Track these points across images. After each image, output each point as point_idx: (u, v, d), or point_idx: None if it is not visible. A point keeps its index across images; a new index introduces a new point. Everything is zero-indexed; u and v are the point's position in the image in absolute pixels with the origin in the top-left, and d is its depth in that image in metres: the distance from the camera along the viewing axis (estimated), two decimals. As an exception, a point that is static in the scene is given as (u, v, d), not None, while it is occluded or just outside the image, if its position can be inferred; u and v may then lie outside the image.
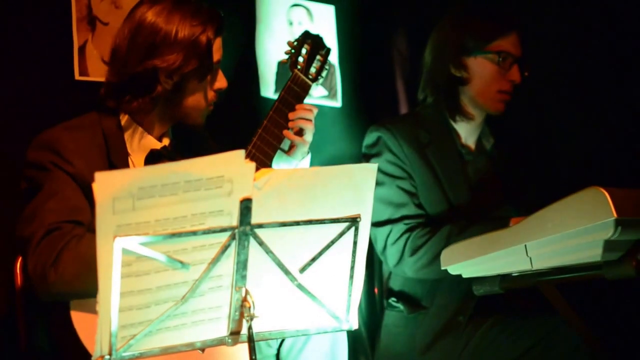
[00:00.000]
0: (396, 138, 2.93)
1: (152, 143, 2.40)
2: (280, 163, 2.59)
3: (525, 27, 2.98)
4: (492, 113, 3.00)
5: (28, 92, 2.89)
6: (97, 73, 2.94)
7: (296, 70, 2.63)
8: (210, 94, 2.42)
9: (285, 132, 2.53)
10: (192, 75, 2.33)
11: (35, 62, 2.91)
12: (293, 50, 2.67)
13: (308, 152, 2.60)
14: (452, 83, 2.98)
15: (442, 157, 2.95)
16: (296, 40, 2.69)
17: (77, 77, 2.98)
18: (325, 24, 3.65)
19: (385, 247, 2.87)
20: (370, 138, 3.00)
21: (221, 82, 2.44)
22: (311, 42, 2.68)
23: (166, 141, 2.44)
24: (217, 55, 2.38)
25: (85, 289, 2.01)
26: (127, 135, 2.38)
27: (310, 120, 2.55)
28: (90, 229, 2.08)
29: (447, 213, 2.87)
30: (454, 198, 2.89)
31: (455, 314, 2.78)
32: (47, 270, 2.06)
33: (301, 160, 2.59)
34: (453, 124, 3.01)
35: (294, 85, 2.61)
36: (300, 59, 2.66)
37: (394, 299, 2.94)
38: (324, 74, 2.69)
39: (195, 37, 2.30)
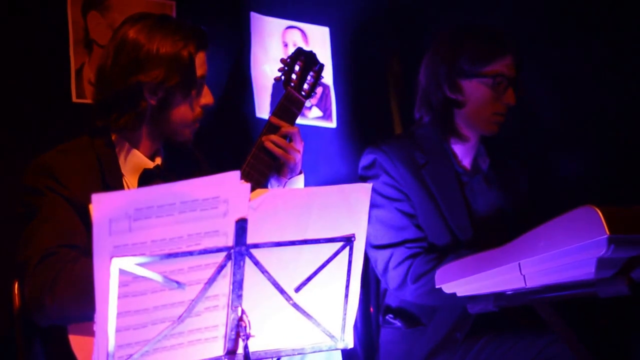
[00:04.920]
0: (392, 160, 2.92)
1: (145, 162, 2.41)
2: (271, 180, 2.60)
3: (520, 48, 2.98)
4: (486, 134, 3.00)
5: (26, 115, 2.91)
6: (94, 96, 2.96)
7: (289, 88, 2.65)
8: (197, 110, 2.43)
9: (268, 144, 2.54)
10: (176, 90, 2.35)
11: (32, 84, 2.93)
12: (286, 68, 2.69)
13: (300, 172, 2.60)
14: (447, 105, 2.97)
15: (439, 178, 2.94)
16: (289, 57, 2.71)
17: (74, 99, 3.00)
18: (320, 46, 3.67)
19: (386, 271, 2.86)
20: (366, 160, 2.99)
21: (207, 97, 2.45)
22: (304, 59, 2.70)
23: (158, 160, 2.46)
24: (201, 70, 2.40)
25: (82, 313, 2.02)
26: (119, 156, 2.39)
27: (284, 148, 2.55)
28: (87, 251, 2.10)
29: (445, 234, 2.88)
30: (452, 219, 2.89)
31: (452, 330, 2.78)
32: (44, 296, 2.07)
33: (290, 180, 2.60)
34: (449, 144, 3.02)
35: (287, 102, 2.63)
36: (294, 76, 2.67)
37: (391, 315, 2.94)
38: (317, 90, 2.70)
39: (177, 52, 2.33)
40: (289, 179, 2.58)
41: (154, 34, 2.33)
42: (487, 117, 2.94)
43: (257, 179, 2.50)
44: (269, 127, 2.58)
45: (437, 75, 2.97)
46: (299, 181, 2.60)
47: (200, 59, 2.40)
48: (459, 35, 2.99)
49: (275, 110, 2.62)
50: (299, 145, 2.57)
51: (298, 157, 2.57)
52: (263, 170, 2.52)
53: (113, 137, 2.40)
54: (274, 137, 2.55)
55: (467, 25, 3.03)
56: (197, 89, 2.41)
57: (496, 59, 2.91)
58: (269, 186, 2.59)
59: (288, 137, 2.57)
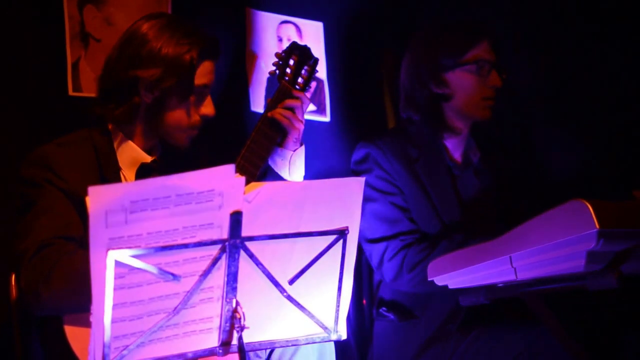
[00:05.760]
0: (385, 154, 2.93)
1: (142, 156, 2.43)
2: (274, 157, 2.63)
3: (495, 31, 3.00)
4: (480, 120, 3.01)
5: (22, 108, 2.92)
6: (91, 89, 2.97)
7: (284, 81, 2.66)
8: (195, 118, 2.44)
9: (277, 116, 2.59)
10: (171, 92, 2.37)
11: (29, 78, 2.94)
12: (281, 62, 2.70)
13: (301, 143, 2.64)
14: (435, 100, 2.99)
15: (431, 172, 2.95)
16: (284, 51, 2.72)
17: (70, 92, 3.01)
18: (314, 40, 3.68)
19: (381, 263, 2.88)
20: (358, 154, 3.01)
21: (208, 108, 2.46)
22: (298, 53, 2.71)
23: (155, 155, 2.47)
24: (204, 79, 2.41)
25: (78, 304, 2.03)
26: (117, 149, 2.41)
27: (290, 119, 2.61)
28: (83, 243, 2.11)
29: (438, 229, 2.89)
30: (445, 214, 2.90)
31: (445, 322, 2.81)
32: (40, 287, 2.08)
33: (295, 151, 2.63)
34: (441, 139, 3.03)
35: (281, 96, 2.64)
36: (288, 70, 2.69)
37: (384, 308, 2.96)
38: (311, 84, 2.72)
39: (178, 55, 2.35)
40: (294, 150, 2.62)
41: (163, 33, 2.36)
42: (477, 103, 2.97)
43: (252, 172, 2.51)
44: (264, 120, 2.60)
45: (420, 75, 2.99)
46: (302, 152, 2.67)
47: (205, 68, 2.41)
48: (432, 33, 3.01)
49: (270, 103, 2.63)
50: (302, 117, 2.64)
51: (302, 127, 2.63)
52: (257, 163, 2.54)
53: (110, 127, 2.42)
54: (281, 110, 2.60)
55: (438, 22, 3.06)
56: (197, 97, 2.42)
57: (474, 46, 2.95)
58: (274, 161, 2.64)
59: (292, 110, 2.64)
